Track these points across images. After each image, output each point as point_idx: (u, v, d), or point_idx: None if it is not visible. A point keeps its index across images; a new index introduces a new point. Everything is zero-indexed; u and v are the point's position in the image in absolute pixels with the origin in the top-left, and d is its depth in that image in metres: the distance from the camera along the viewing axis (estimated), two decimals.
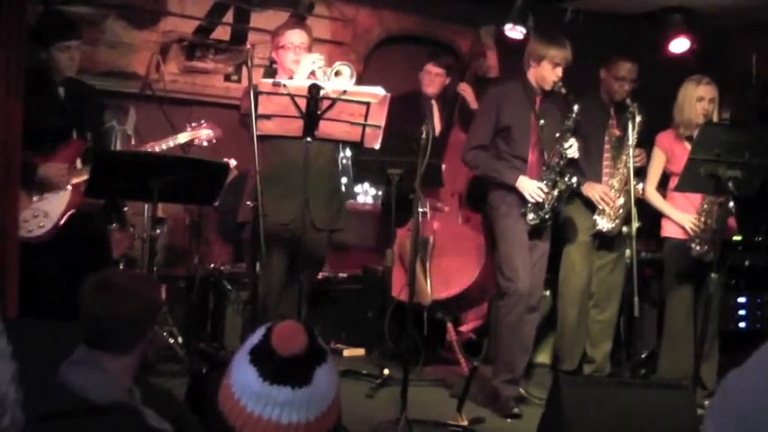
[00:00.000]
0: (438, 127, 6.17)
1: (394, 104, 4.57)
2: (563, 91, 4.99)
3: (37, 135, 4.69)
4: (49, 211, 4.75)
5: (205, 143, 5.30)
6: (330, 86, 4.37)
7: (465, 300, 6.10)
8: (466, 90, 6.31)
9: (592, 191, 5.47)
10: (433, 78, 6.26)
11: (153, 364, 4.61)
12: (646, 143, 5.45)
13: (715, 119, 5.31)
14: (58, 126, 4.85)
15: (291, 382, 1.61)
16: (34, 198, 4.73)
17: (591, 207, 5.53)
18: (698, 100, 5.28)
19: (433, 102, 6.31)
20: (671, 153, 5.38)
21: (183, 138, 5.21)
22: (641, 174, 5.47)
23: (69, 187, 4.79)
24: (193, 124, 5.25)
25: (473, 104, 6.29)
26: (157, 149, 4.99)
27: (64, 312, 3.90)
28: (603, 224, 5.47)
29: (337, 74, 4.55)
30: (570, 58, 5.04)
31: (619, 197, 5.44)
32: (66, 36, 4.82)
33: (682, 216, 5.28)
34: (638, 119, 5.21)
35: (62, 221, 4.76)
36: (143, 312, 2.41)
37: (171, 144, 5.13)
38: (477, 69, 6.48)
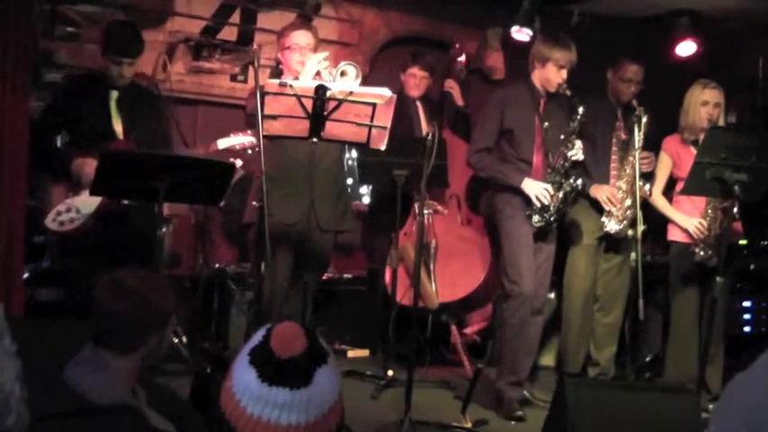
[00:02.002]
0: (425, 129, 6.12)
1: None
2: (568, 93, 4.99)
3: (82, 135, 4.87)
4: (81, 206, 4.82)
5: (249, 151, 5.34)
6: (336, 87, 4.36)
7: (470, 302, 6.09)
8: (453, 87, 6.28)
9: (599, 192, 5.46)
10: (418, 82, 6.22)
11: (157, 365, 4.62)
12: (652, 146, 5.44)
13: (721, 123, 5.31)
14: (101, 128, 4.95)
15: (290, 383, 1.61)
16: (69, 193, 4.79)
17: (597, 209, 5.51)
18: (702, 104, 5.27)
19: (418, 103, 6.28)
20: (677, 157, 5.37)
21: (223, 144, 5.28)
22: (649, 177, 5.46)
23: None
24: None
25: (459, 101, 6.27)
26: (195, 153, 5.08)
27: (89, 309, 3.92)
28: (612, 226, 5.45)
29: (343, 74, 4.54)
30: (575, 60, 5.04)
31: (626, 199, 5.42)
32: (119, 52, 4.98)
33: (686, 220, 5.28)
34: (644, 119, 5.21)
35: (94, 218, 4.82)
36: (147, 316, 2.41)
37: (210, 150, 5.21)
38: (459, 73, 6.45)
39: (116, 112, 5.04)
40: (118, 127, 5.03)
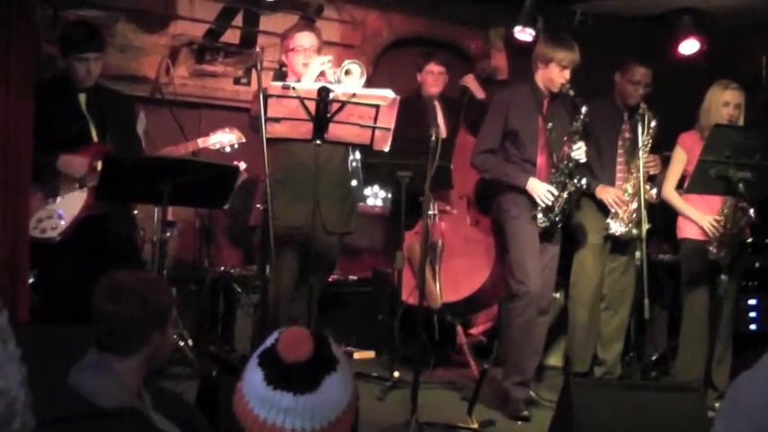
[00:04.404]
0: (443, 128, 6.11)
1: None
2: (571, 93, 4.99)
3: (54, 141, 4.76)
4: (62, 212, 4.77)
5: (228, 149, 5.35)
6: (339, 89, 4.37)
7: (475, 302, 6.10)
8: (471, 81, 6.27)
9: (605, 194, 5.44)
10: (436, 78, 6.22)
11: (163, 369, 4.62)
12: (658, 148, 5.43)
13: (741, 124, 5.29)
14: (76, 132, 4.88)
15: (294, 388, 1.61)
16: (49, 199, 4.76)
17: (604, 209, 5.50)
18: (723, 105, 5.25)
19: (436, 102, 6.28)
20: (692, 154, 5.31)
21: (202, 143, 5.29)
22: (655, 180, 5.44)
23: (86, 190, 4.81)
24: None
25: (480, 94, 6.25)
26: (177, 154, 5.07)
27: (75, 315, 3.91)
28: (617, 228, 5.44)
29: (347, 72, 4.54)
30: (578, 61, 5.04)
31: (632, 201, 5.39)
32: (82, 48, 4.82)
33: (701, 217, 5.22)
34: (653, 123, 5.21)
35: (76, 224, 4.77)
36: (146, 316, 2.41)
37: (190, 149, 5.20)
38: (481, 71, 6.44)
39: (88, 114, 4.94)
40: (92, 130, 4.94)
